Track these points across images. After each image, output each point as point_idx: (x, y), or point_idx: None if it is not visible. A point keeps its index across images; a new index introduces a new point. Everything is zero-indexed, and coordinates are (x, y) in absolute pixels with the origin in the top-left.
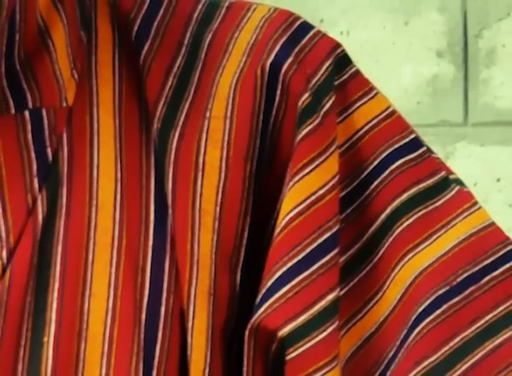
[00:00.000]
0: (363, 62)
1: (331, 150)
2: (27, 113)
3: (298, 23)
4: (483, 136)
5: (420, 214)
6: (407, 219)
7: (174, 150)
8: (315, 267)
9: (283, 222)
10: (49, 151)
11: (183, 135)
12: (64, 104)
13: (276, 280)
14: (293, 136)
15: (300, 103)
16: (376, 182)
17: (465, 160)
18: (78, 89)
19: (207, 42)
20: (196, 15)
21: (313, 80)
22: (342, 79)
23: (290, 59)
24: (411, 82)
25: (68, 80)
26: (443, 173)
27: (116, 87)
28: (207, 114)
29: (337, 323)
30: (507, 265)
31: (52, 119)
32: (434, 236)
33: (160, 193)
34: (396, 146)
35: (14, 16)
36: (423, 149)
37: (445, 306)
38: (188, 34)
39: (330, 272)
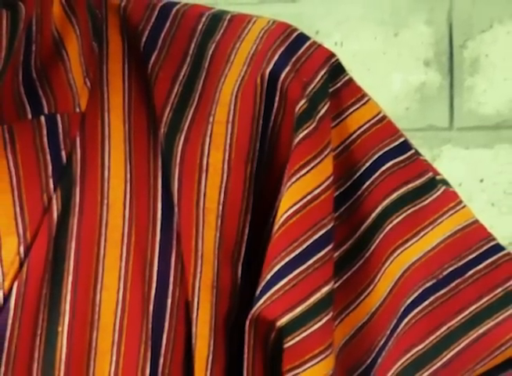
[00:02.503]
0: (356, 70)
1: (326, 152)
2: (42, 118)
3: (295, 34)
4: (467, 140)
5: (408, 212)
6: (396, 217)
7: (179, 153)
8: (311, 262)
9: (281, 220)
10: (63, 154)
11: (188, 139)
12: (77, 110)
13: (275, 273)
14: (291, 140)
15: (297, 108)
16: (367, 183)
17: (450, 162)
18: (91, 96)
19: (210, 52)
20: (200, 27)
21: (309, 87)
22: (336, 86)
23: (287, 68)
24: (400, 89)
25: (81, 87)
26: (430, 174)
27: (125, 94)
28: (211, 119)
29: (331, 313)
30: (490, 260)
31: (66, 124)
32: (422, 233)
33: (166, 193)
34: (386, 148)
35: (31, 28)
36: (412, 151)
37: (432, 298)
38: (193, 45)
39: (325, 266)
